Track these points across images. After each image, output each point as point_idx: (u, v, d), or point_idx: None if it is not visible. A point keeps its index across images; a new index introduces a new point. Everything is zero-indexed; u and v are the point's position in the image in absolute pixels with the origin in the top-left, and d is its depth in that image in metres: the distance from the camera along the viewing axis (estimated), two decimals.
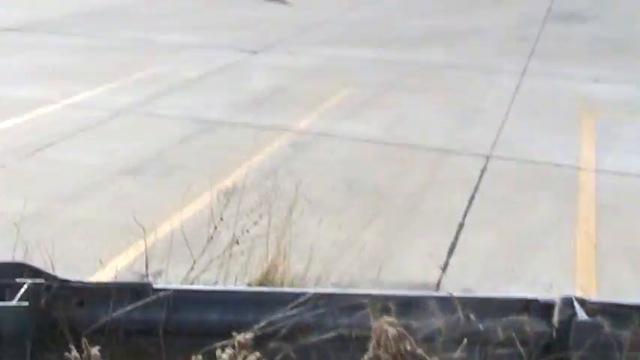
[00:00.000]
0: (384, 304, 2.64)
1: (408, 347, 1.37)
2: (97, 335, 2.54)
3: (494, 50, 10.31)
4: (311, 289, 2.96)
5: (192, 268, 3.28)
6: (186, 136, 6.67)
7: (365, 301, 2.64)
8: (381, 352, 1.40)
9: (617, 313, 2.69)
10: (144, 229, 3.08)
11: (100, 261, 3.81)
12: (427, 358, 1.40)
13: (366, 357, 1.43)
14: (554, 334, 2.64)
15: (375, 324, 1.45)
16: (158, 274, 3.51)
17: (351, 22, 12.43)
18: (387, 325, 1.40)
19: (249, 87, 8.37)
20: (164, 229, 4.37)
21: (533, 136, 6.73)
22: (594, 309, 2.68)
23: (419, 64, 9.55)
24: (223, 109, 7.47)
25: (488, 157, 6.16)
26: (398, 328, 1.40)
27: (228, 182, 5.14)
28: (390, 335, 1.39)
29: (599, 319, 2.62)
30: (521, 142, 6.56)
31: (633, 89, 8.47)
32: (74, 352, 2.42)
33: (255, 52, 10.05)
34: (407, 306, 2.67)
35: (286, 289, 3.09)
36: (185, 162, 6.00)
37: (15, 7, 13.41)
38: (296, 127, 6.89)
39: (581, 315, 2.63)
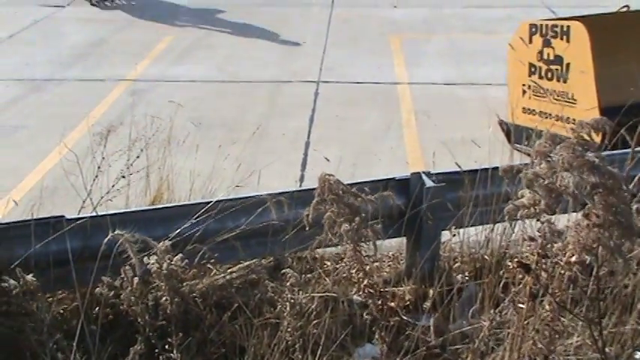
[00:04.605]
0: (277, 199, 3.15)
1: (342, 190, 1.85)
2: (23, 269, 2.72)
3: None
4: (205, 200, 3.33)
5: (82, 206, 3.47)
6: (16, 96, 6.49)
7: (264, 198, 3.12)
8: (325, 195, 1.86)
9: (453, 179, 3.46)
10: None
11: None
12: (358, 194, 1.90)
13: (316, 199, 1.87)
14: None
15: (319, 176, 1.91)
16: None
17: None
18: (328, 176, 1.86)
19: (66, 42, 8.17)
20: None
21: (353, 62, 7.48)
22: (436, 180, 3.42)
23: (235, 4, 9.85)
24: (46, 67, 7.29)
25: (318, 83, 6.78)
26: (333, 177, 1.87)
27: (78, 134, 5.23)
28: (332, 181, 1.85)
29: (442, 184, 3.35)
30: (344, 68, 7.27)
31: (426, 12, 9.57)
32: (11, 281, 2.61)
33: (62, 7, 9.69)
34: (297, 199, 3.20)
35: (186, 202, 3.42)
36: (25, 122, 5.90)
37: None
38: (130, 76, 6.96)
39: (429, 183, 3.33)
